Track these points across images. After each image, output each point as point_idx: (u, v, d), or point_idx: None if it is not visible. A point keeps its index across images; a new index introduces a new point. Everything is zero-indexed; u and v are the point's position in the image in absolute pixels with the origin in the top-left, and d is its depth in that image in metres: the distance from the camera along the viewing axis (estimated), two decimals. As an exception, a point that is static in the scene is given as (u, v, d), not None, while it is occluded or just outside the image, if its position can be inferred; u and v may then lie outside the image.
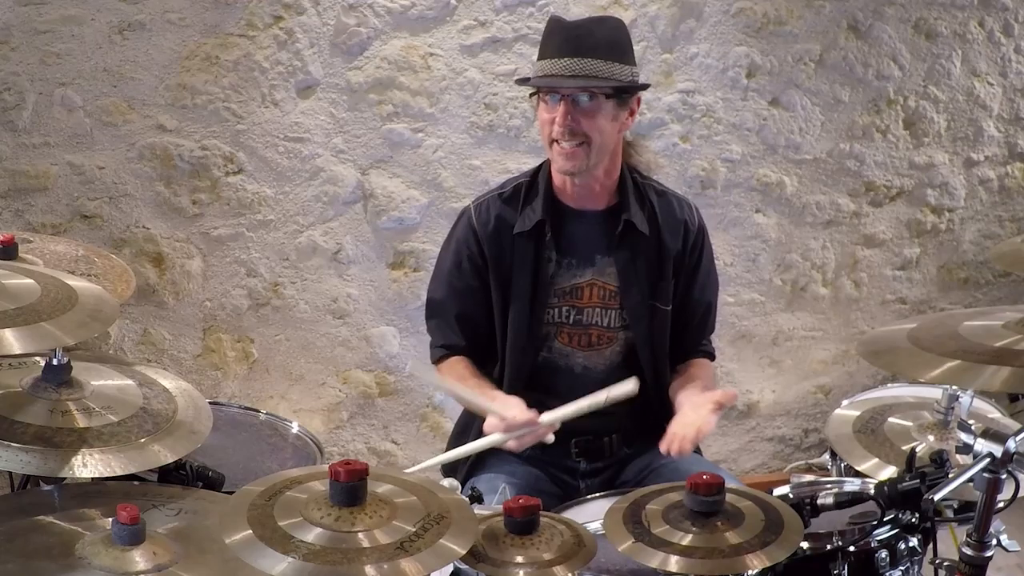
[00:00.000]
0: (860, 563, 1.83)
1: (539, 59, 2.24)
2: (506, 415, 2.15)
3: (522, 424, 2.14)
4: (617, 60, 2.19)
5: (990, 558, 1.73)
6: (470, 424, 2.46)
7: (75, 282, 1.83)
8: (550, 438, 2.19)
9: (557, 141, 2.22)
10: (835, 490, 1.86)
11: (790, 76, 3.46)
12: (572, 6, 3.18)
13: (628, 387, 2.20)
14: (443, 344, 2.44)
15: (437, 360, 2.46)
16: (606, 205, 2.36)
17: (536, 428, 2.15)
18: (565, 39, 2.20)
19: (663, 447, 2.13)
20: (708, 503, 1.60)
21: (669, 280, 2.37)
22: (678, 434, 2.13)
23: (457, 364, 2.41)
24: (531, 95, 2.30)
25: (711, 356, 2.53)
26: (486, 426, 2.20)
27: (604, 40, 2.20)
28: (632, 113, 2.28)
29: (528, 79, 2.27)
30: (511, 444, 2.17)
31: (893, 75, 3.56)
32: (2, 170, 2.94)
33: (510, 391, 2.34)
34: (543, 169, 2.38)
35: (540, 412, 2.18)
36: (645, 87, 2.32)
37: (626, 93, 2.23)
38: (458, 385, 2.28)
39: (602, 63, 2.17)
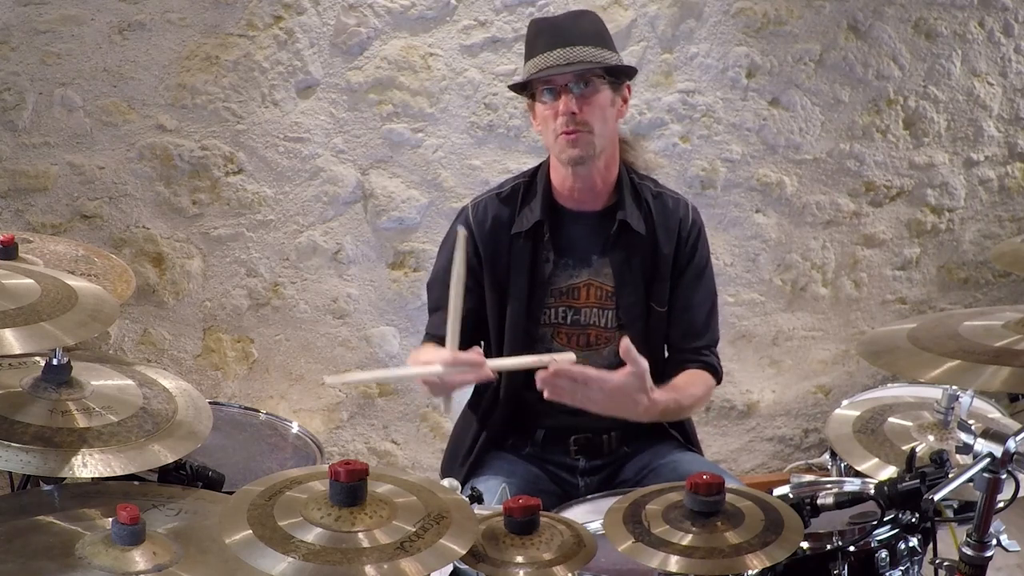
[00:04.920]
0: (860, 563, 1.82)
1: (528, 59, 2.26)
2: (445, 357, 2.11)
3: (467, 361, 2.12)
4: (603, 47, 2.25)
5: (990, 558, 1.73)
6: (471, 423, 2.46)
7: (75, 282, 1.83)
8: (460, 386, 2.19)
9: (566, 133, 2.23)
10: (835, 490, 1.85)
11: (790, 76, 3.46)
12: (571, 6, 3.18)
13: (569, 356, 2.17)
14: (429, 332, 2.43)
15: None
16: (603, 206, 2.36)
17: (480, 368, 2.11)
18: (551, 34, 2.24)
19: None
20: (708, 503, 1.60)
21: (665, 280, 2.36)
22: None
23: (424, 345, 2.40)
24: (527, 97, 2.30)
25: (712, 369, 2.39)
26: (426, 356, 2.18)
27: (588, 29, 2.26)
28: (625, 100, 2.32)
29: (522, 84, 2.28)
30: (453, 377, 2.13)
31: (893, 75, 3.56)
32: (2, 170, 2.94)
33: (509, 391, 2.36)
34: (542, 170, 2.39)
35: (533, 404, 2.19)
36: (634, 70, 2.35)
37: (616, 77, 2.27)
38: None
39: (592, 48, 2.22)
